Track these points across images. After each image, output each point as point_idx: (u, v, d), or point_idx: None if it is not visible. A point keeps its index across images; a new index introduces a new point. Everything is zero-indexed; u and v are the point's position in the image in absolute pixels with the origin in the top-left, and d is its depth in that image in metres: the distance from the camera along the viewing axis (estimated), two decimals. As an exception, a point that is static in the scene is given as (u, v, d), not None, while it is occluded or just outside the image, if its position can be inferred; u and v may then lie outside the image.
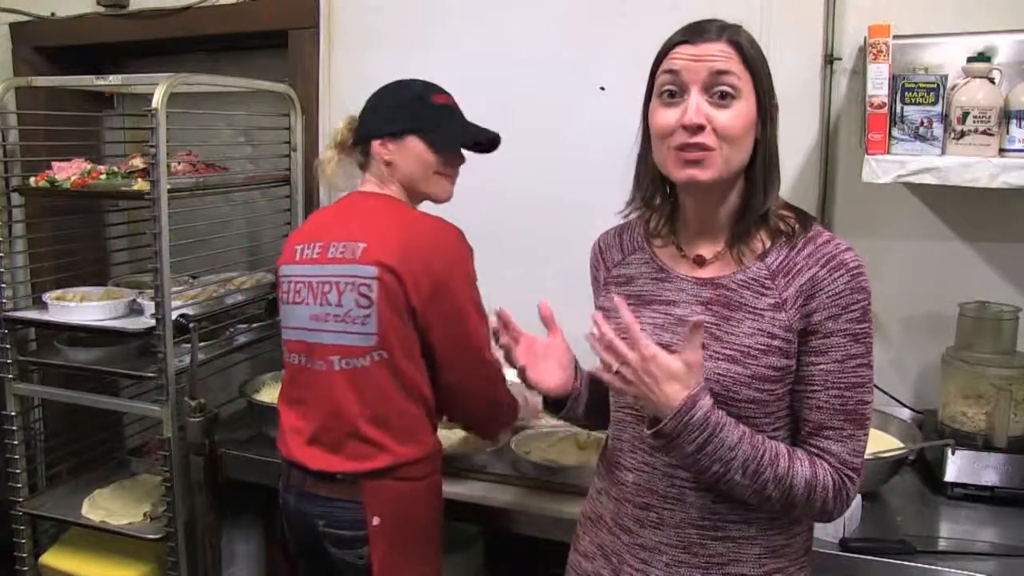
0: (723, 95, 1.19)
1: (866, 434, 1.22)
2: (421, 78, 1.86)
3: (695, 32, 1.22)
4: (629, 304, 1.25)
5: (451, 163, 1.84)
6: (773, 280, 1.22)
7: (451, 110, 1.84)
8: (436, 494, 1.77)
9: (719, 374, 1.21)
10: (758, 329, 1.21)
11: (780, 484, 1.18)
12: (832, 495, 1.20)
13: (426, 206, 1.87)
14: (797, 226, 1.25)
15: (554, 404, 1.43)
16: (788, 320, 1.20)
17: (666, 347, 1.18)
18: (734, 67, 1.20)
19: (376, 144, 1.78)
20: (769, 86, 1.23)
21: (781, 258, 1.23)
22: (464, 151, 1.87)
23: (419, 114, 1.79)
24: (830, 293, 1.19)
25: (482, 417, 1.85)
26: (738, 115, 1.20)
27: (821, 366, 1.20)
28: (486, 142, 1.87)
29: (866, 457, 1.75)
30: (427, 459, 1.73)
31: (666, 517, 1.28)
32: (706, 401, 1.15)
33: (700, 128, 1.19)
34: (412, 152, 1.78)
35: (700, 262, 1.29)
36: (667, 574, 1.29)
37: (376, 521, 1.67)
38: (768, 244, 1.25)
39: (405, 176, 1.79)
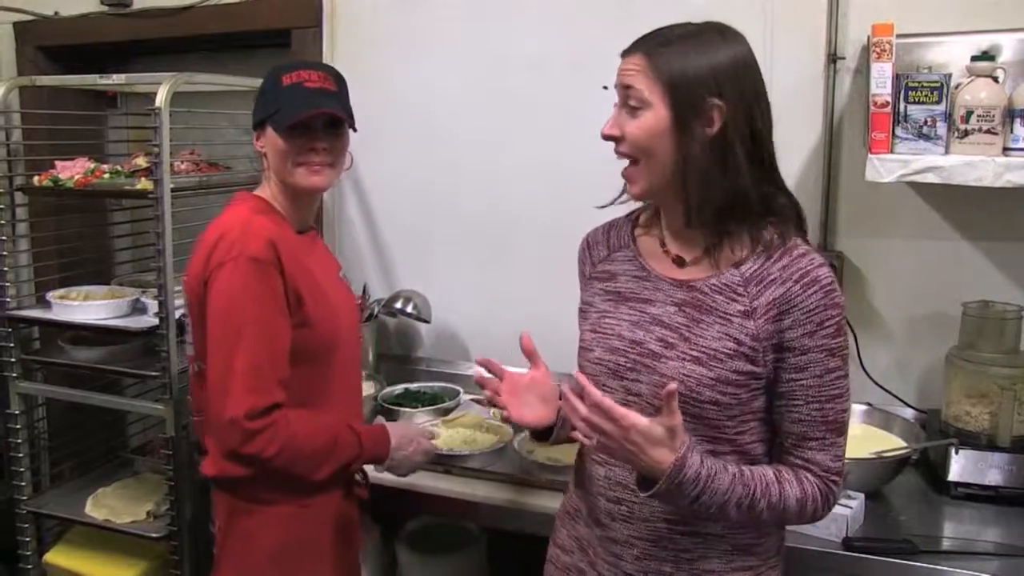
0: (632, 108, 1.24)
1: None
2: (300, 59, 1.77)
3: (627, 48, 1.28)
4: (608, 300, 1.35)
5: (302, 147, 1.61)
6: (745, 287, 1.25)
7: (297, 87, 1.61)
8: (284, 523, 1.65)
9: (684, 374, 1.24)
10: (725, 334, 1.24)
11: (774, 510, 1.23)
12: (821, 503, 1.25)
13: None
14: (776, 237, 1.26)
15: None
16: (756, 328, 1.23)
17: (638, 343, 1.27)
18: (640, 80, 1.23)
19: (255, 138, 1.68)
20: (689, 92, 1.20)
21: (756, 267, 1.25)
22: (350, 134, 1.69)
23: (270, 100, 1.63)
24: (804, 310, 1.21)
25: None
26: (641, 125, 1.23)
27: (801, 382, 1.23)
28: (327, 114, 1.62)
29: (869, 456, 1.77)
30: (262, 482, 1.60)
31: (636, 510, 1.31)
32: (694, 459, 1.17)
33: (615, 139, 1.27)
34: (271, 143, 1.63)
35: (680, 263, 1.32)
36: (638, 567, 1.32)
37: (217, 525, 1.71)
38: (747, 252, 1.26)
39: (272, 169, 1.65)
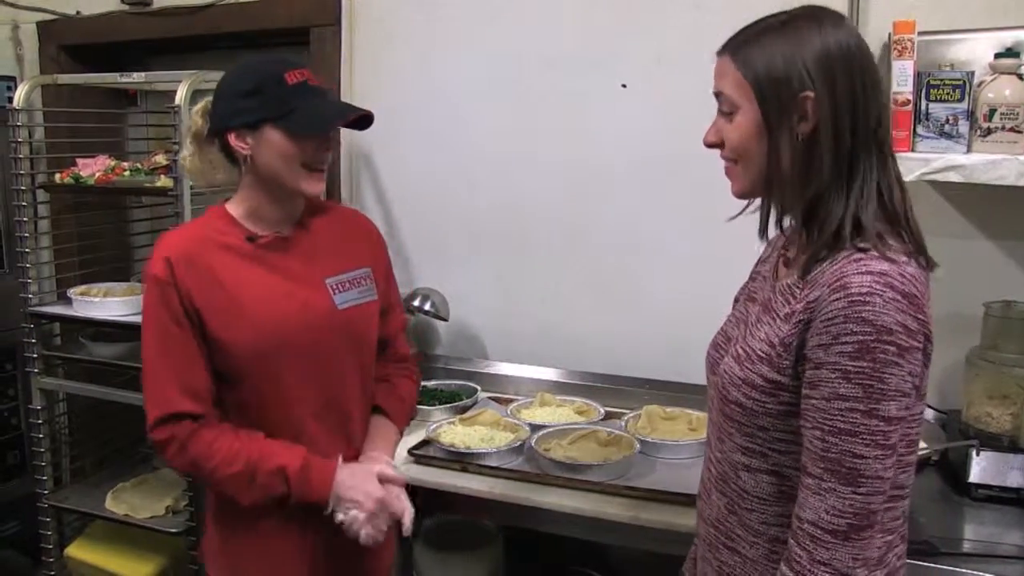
0: (727, 112, 1.18)
1: (857, 493, 1.05)
2: (281, 55, 1.65)
3: (718, 50, 1.20)
4: (740, 297, 1.32)
5: (316, 152, 1.55)
6: (801, 291, 1.14)
7: (304, 87, 1.55)
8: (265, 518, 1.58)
9: (724, 370, 1.21)
10: (766, 336, 1.17)
11: None
12: (825, 567, 1.06)
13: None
14: (852, 239, 1.11)
15: None
16: (785, 333, 1.13)
17: (727, 340, 1.25)
18: (727, 84, 1.17)
19: (232, 137, 1.53)
20: (777, 88, 1.13)
21: (818, 270, 1.13)
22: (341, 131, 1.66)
23: (275, 99, 1.52)
24: (824, 317, 1.06)
25: None
26: (735, 128, 1.17)
27: (811, 401, 1.08)
28: (355, 120, 1.60)
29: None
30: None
31: (703, 510, 1.32)
32: None
33: (716, 146, 1.20)
34: (272, 145, 1.52)
35: (786, 263, 1.25)
36: (700, 567, 1.33)
37: (206, 517, 1.71)
38: (825, 253, 1.14)
39: (266, 172, 1.54)
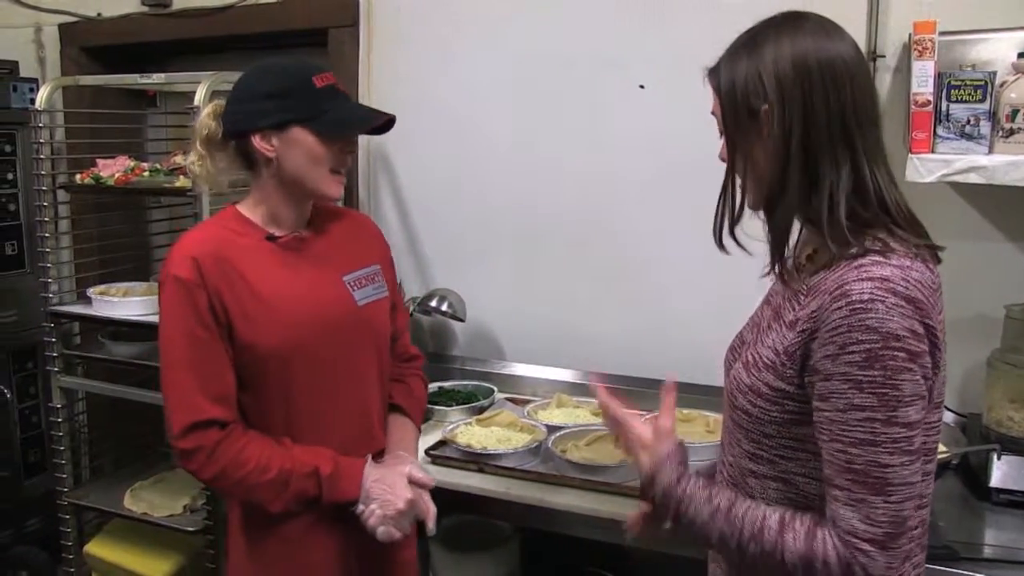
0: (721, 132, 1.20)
1: (889, 502, 1.04)
2: (304, 58, 1.65)
3: None
4: (762, 299, 1.31)
5: (340, 155, 1.57)
6: (805, 297, 1.13)
7: (333, 91, 1.56)
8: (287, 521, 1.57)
9: (733, 375, 1.21)
10: (773, 342, 1.16)
11: (771, 558, 1.09)
12: (837, 569, 1.04)
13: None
14: (857, 247, 1.09)
15: None
16: (789, 342, 1.12)
17: (742, 343, 1.25)
18: (713, 101, 1.19)
19: (257, 139, 1.52)
20: (736, 104, 1.14)
21: (820, 277, 1.11)
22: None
23: (303, 101, 1.52)
24: (828, 327, 1.05)
25: None
26: (723, 146, 1.20)
27: (825, 413, 1.07)
28: (382, 124, 1.62)
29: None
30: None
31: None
32: (666, 475, 1.17)
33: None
34: (299, 144, 1.52)
35: (797, 267, 1.23)
36: (710, 568, 1.32)
37: (229, 517, 1.68)
38: (828, 259, 1.13)
39: (292, 174, 1.54)
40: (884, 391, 1.02)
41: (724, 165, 1.22)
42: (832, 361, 1.05)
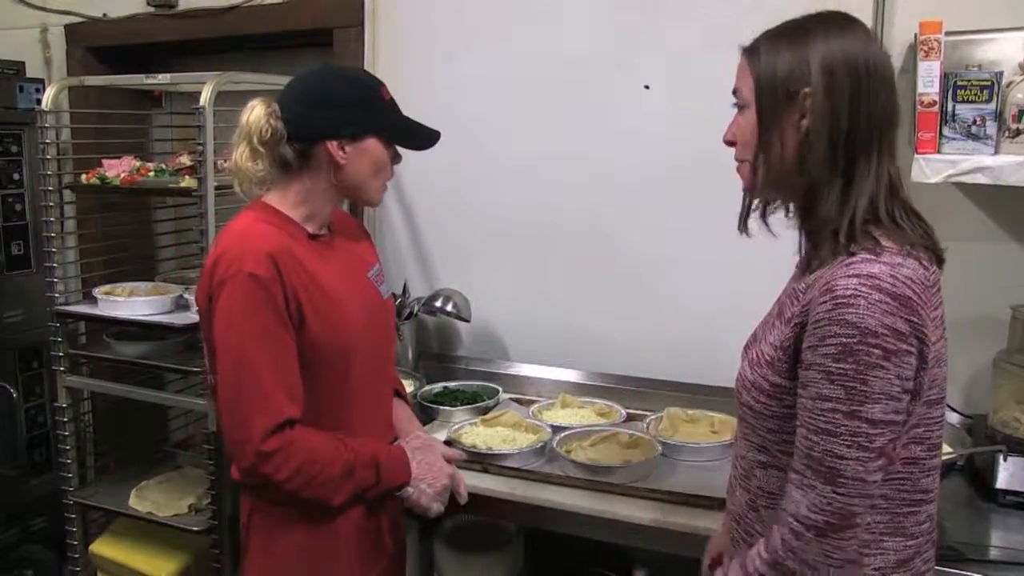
0: (739, 107, 1.22)
1: (837, 493, 1.07)
2: (365, 69, 1.72)
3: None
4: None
5: (392, 166, 1.66)
6: (803, 294, 1.15)
7: (394, 105, 1.66)
8: (307, 525, 1.60)
9: (741, 372, 1.24)
10: (774, 338, 1.19)
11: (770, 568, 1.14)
12: (781, 550, 1.11)
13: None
14: (853, 244, 1.12)
15: None
16: (783, 336, 1.15)
17: (755, 341, 1.26)
18: (742, 81, 1.21)
19: (332, 145, 1.55)
20: (776, 85, 1.16)
21: (818, 273, 1.14)
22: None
23: (377, 113, 1.60)
24: (813, 320, 1.09)
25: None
26: (740, 123, 1.22)
27: (802, 399, 1.11)
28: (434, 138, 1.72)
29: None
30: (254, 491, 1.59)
31: (729, 505, 1.36)
32: None
33: (732, 144, 1.24)
34: (370, 154, 1.59)
35: (803, 267, 1.26)
36: (724, 562, 1.34)
37: (241, 521, 1.68)
38: (827, 255, 1.15)
39: (353, 181, 1.59)
40: (852, 384, 1.05)
41: (730, 161, 1.24)
42: (812, 351, 1.08)
